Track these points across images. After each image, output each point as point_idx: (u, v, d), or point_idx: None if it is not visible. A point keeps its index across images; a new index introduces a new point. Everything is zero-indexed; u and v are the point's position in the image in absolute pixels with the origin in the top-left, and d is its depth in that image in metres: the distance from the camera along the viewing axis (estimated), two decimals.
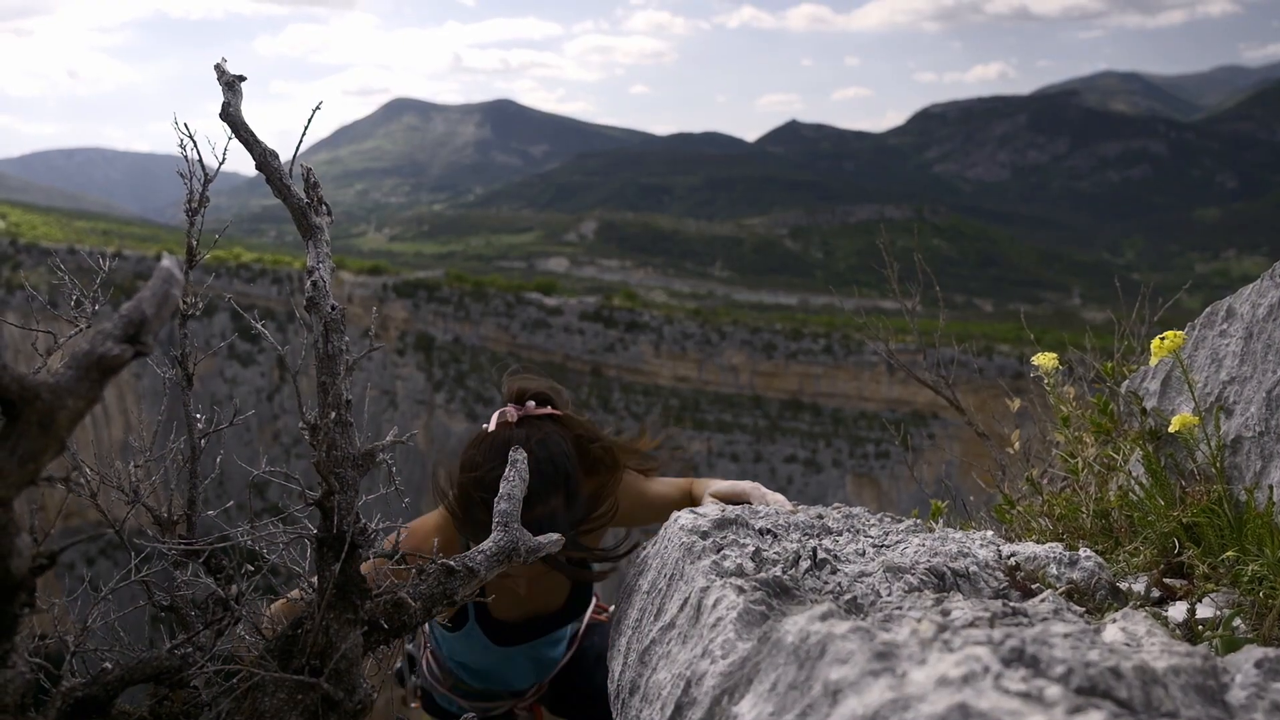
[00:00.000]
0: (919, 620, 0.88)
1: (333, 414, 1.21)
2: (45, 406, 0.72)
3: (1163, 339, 1.63)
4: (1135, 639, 1.02)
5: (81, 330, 1.38)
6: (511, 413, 2.19)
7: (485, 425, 2.21)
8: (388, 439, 1.30)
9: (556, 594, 2.43)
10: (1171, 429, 1.61)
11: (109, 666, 1.19)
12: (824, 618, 0.93)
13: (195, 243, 1.74)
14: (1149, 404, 1.86)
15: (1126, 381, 2.00)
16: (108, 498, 1.45)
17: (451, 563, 1.31)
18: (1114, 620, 1.08)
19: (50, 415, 0.72)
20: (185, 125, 1.75)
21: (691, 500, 2.34)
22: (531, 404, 2.22)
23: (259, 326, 1.30)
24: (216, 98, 1.63)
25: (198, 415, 1.50)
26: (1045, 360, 1.98)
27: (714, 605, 1.21)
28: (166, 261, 0.83)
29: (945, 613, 1.03)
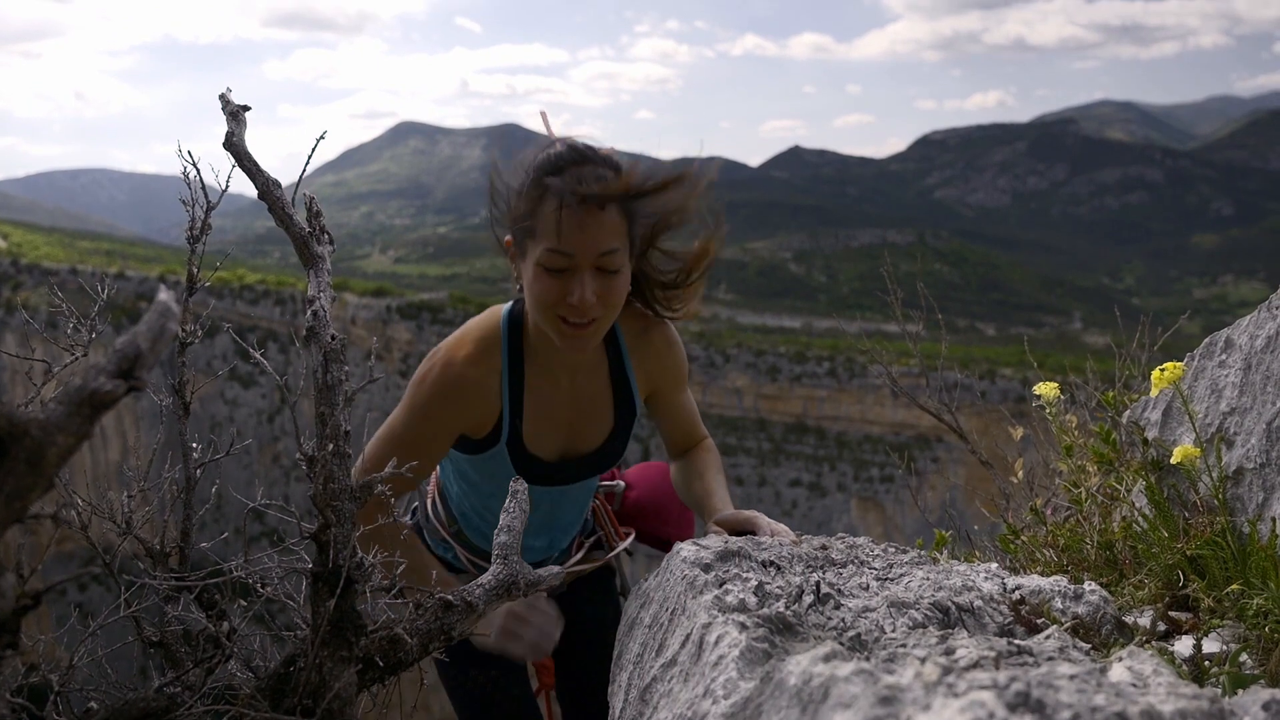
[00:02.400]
0: (923, 661, 0.86)
1: (330, 446, 1.20)
2: (34, 443, 0.71)
3: (1163, 370, 1.62)
4: (1142, 679, 1.01)
5: (77, 359, 1.37)
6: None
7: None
8: (386, 470, 1.29)
9: (598, 429, 2.24)
10: (1173, 460, 1.60)
11: (94, 707, 1.17)
12: (827, 659, 0.91)
13: (196, 270, 1.74)
14: (1150, 434, 1.85)
15: (1128, 411, 1.99)
16: (100, 527, 1.43)
17: (450, 596, 1.29)
18: (1120, 659, 1.06)
19: (39, 452, 0.71)
20: (189, 153, 1.75)
21: (701, 503, 2.24)
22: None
23: (258, 355, 1.29)
24: (222, 121, 1.63)
25: (194, 445, 1.49)
26: (1047, 390, 1.97)
27: (716, 642, 1.19)
28: (163, 295, 0.82)
29: (950, 652, 1.01)
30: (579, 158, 1.93)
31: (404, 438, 2.04)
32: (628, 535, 2.52)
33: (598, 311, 1.92)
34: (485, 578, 1.47)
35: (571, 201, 1.85)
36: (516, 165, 2.00)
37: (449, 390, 2.05)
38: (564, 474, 2.22)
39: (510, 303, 2.17)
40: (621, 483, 2.60)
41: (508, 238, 2.03)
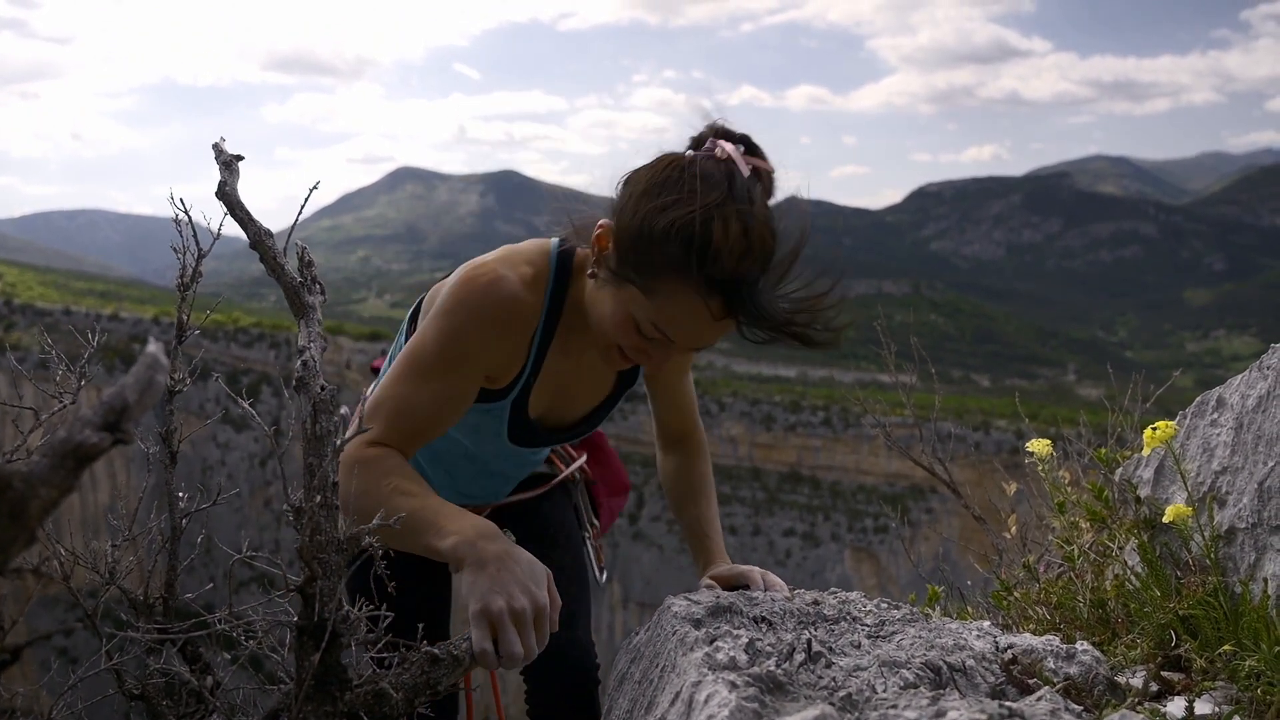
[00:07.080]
0: None
1: (318, 497, 1.20)
2: (17, 495, 0.70)
3: (1154, 429, 1.62)
4: None
5: (65, 406, 1.37)
6: (727, 149, 1.60)
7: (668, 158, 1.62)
8: (374, 522, 1.28)
9: (592, 397, 2.02)
10: (1166, 519, 1.60)
11: None
12: None
13: (186, 317, 1.74)
14: (1143, 492, 1.85)
15: (1121, 469, 1.99)
16: (85, 575, 1.41)
17: (436, 650, 1.28)
18: None
19: (22, 505, 0.70)
20: (181, 200, 1.76)
21: (696, 542, 2.12)
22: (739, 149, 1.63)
23: (246, 406, 1.29)
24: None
25: (182, 493, 1.48)
26: (1040, 447, 1.97)
27: (706, 701, 1.17)
28: (152, 346, 0.82)
29: (941, 714, 1.00)
30: (752, 266, 1.55)
31: (427, 366, 1.68)
32: (580, 456, 2.37)
33: None
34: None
35: (713, 320, 1.57)
36: (674, 189, 1.55)
37: (498, 308, 1.68)
38: (544, 438, 2.01)
39: (558, 241, 1.82)
40: None
41: (608, 225, 1.64)
